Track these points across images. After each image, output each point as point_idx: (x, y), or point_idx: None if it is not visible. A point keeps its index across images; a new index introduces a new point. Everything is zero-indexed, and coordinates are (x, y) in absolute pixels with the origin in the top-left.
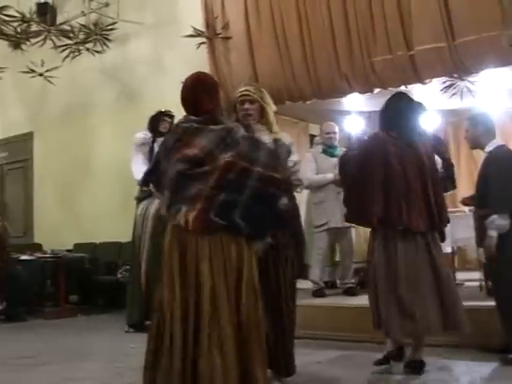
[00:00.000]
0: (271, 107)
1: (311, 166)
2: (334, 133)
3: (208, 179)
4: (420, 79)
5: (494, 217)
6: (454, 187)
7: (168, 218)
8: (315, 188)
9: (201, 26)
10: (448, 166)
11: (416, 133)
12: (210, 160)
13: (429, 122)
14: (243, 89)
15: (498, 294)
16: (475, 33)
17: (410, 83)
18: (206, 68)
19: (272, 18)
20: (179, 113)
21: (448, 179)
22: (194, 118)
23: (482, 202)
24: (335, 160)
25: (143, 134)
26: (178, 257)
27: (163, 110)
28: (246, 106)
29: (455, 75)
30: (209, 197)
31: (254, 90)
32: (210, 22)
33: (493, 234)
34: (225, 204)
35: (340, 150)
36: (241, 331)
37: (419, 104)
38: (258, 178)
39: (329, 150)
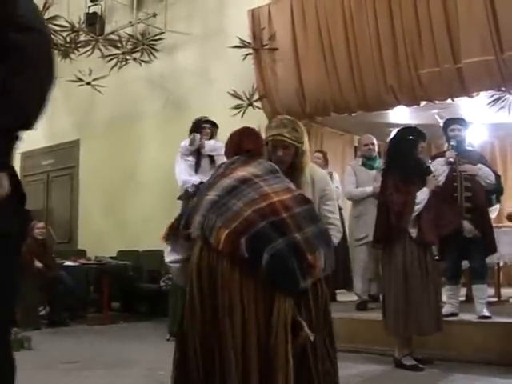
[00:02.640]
0: (307, 146)
1: (351, 180)
2: (373, 144)
3: (253, 202)
4: (467, 92)
5: None
6: (499, 201)
7: (199, 237)
8: (355, 201)
9: (247, 37)
10: (498, 178)
11: None
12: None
13: (475, 136)
14: (276, 132)
15: None
16: None
17: (456, 96)
18: (252, 79)
19: (319, 30)
20: (224, 121)
21: (497, 192)
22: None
23: None
24: (374, 172)
25: (188, 143)
26: (204, 278)
27: (201, 117)
28: (280, 153)
29: (503, 88)
30: (248, 220)
31: (289, 133)
32: (256, 34)
33: None
34: (261, 235)
35: (380, 162)
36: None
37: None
38: (293, 244)
39: (368, 162)
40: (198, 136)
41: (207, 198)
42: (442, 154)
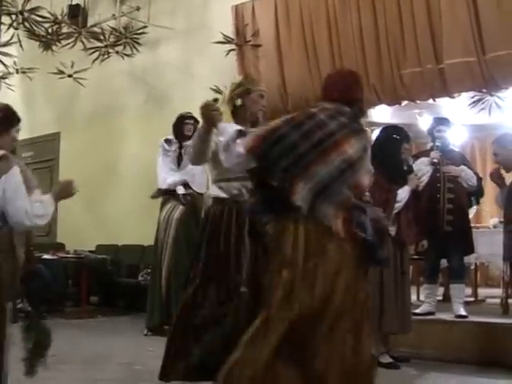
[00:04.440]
0: None
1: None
2: None
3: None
4: (448, 93)
5: None
6: (479, 202)
7: (307, 218)
8: None
9: (231, 33)
10: (479, 180)
11: None
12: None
13: (455, 137)
14: (261, 87)
15: None
16: (506, 48)
17: (438, 97)
18: (234, 75)
19: (302, 27)
20: None
21: (478, 194)
22: (345, 108)
23: None
24: None
25: (169, 140)
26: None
27: (184, 113)
28: (264, 103)
29: (484, 90)
30: (356, 208)
31: None
32: (240, 30)
33: None
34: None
35: None
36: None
37: None
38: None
39: None
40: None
41: (325, 169)
42: (425, 154)
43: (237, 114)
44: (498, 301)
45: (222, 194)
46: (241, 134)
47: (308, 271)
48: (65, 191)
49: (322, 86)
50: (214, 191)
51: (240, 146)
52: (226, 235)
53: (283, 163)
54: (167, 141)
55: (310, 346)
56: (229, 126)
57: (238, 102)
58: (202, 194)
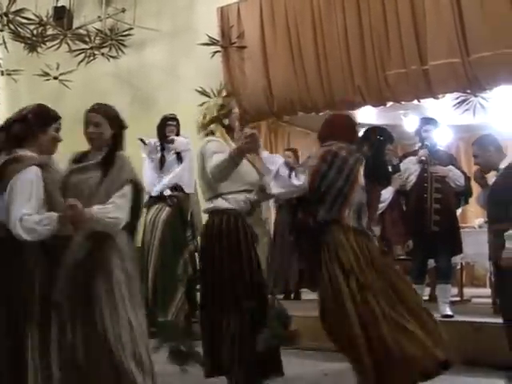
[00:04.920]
0: None
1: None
2: None
3: None
4: (433, 94)
5: None
6: (468, 202)
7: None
8: None
9: (216, 35)
10: (467, 180)
11: None
12: None
13: (441, 137)
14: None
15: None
16: (490, 49)
17: (422, 97)
18: (220, 77)
19: (287, 29)
20: (191, 118)
21: (466, 194)
22: (352, 146)
23: (498, 217)
24: None
25: (152, 142)
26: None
27: (167, 115)
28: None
29: (468, 91)
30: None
31: None
32: (225, 31)
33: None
34: None
35: None
36: None
37: None
38: None
39: None
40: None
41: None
42: (414, 154)
43: (225, 130)
44: (483, 300)
45: (230, 205)
46: (288, 166)
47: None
48: (75, 218)
49: (327, 128)
50: (221, 203)
51: (295, 179)
52: (242, 250)
53: (328, 197)
54: (141, 140)
55: None
56: (275, 157)
57: (226, 121)
58: (188, 195)
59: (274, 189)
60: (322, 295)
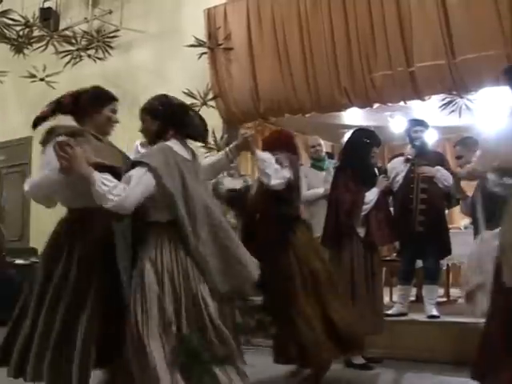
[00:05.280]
0: None
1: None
2: (319, 145)
3: None
4: (419, 95)
5: None
6: (458, 203)
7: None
8: (307, 203)
9: (203, 37)
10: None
11: None
12: None
13: (427, 138)
14: None
15: None
16: (475, 51)
17: (409, 99)
18: (206, 78)
19: (274, 30)
20: None
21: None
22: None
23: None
24: (324, 174)
25: (141, 144)
26: None
27: None
28: None
29: (454, 92)
30: None
31: None
32: (212, 33)
33: None
34: None
35: (329, 163)
36: None
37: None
38: None
39: (317, 163)
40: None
41: None
42: (402, 154)
43: None
44: None
45: None
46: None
47: None
48: (65, 158)
49: (274, 140)
50: None
51: (285, 172)
52: None
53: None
54: (142, 144)
55: None
56: (267, 154)
57: None
58: None
59: (273, 180)
60: None
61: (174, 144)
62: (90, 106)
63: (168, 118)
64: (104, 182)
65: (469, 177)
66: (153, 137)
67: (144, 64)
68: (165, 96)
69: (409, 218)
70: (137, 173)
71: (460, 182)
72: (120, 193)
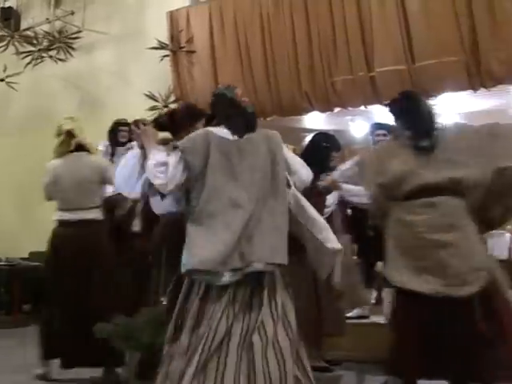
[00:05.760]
0: None
1: None
2: None
3: None
4: (380, 100)
5: None
6: None
7: None
8: None
9: (165, 39)
10: None
11: None
12: None
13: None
14: None
15: None
16: (434, 57)
17: (369, 104)
18: (168, 81)
19: (236, 34)
20: None
21: None
22: None
23: None
24: None
25: (103, 147)
26: None
27: (119, 120)
28: None
29: None
30: None
31: None
32: (174, 36)
33: None
34: None
35: None
36: None
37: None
38: None
39: None
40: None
41: None
42: None
43: None
44: None
45: None
46: None
47: None
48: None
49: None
50: None
51: None
52: None
53: None
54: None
55: None
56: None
57: None
58: None
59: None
60: None
61: (215, 129)
62: (185, 122)
63: (212, 109)
64: (158, 160)
65: None
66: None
67: (106, 66)
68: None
69: (361, 221)
70: (171, 156)
71: None
72: (164, 172)
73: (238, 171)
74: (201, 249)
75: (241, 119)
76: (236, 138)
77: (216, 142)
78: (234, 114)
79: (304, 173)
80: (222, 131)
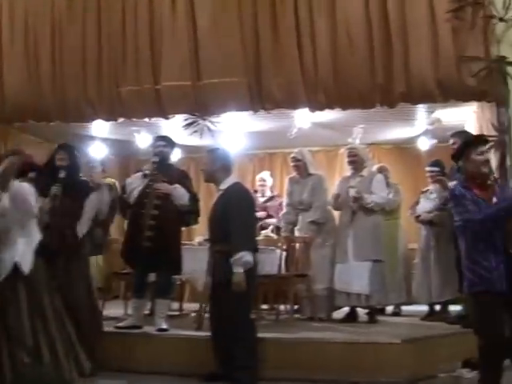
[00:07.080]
0: None
1: None
2: None
3: None
4: (164, 114)
5: (242, 254)
6: (197, 222)
7: None
8: None
9: None
10: (194, 200)
11: None
12: None
13: (171, 155)
14: None
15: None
16: (219, 76)
17: (153, 116)
18: None
19: (25, 32)
20: None
21: (193, 213)
22: None
23: (219, 237)
24: None
25: None
26: None
27: None
28: None
29: (197, 114)
30: None
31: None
32: None
33: (240, 270)
34: None
35: None
36: None
37: None
38: None
39: None
40: None
41: None
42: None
43: None
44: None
45: None
46: None
47: None
48: None
49: None
50: None
51: None
52: None
53: None
54: None
55: None
56: None
57: None
58: None
59: None
60: None
61: None
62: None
63: None
64: None
65: None
66: None
67: None
68: None
69: (138, 232)
70: None
71: (199, 201)
72: None
73: None
74: None
75: None
76: None
77: None
78: None
79: None
80: None
